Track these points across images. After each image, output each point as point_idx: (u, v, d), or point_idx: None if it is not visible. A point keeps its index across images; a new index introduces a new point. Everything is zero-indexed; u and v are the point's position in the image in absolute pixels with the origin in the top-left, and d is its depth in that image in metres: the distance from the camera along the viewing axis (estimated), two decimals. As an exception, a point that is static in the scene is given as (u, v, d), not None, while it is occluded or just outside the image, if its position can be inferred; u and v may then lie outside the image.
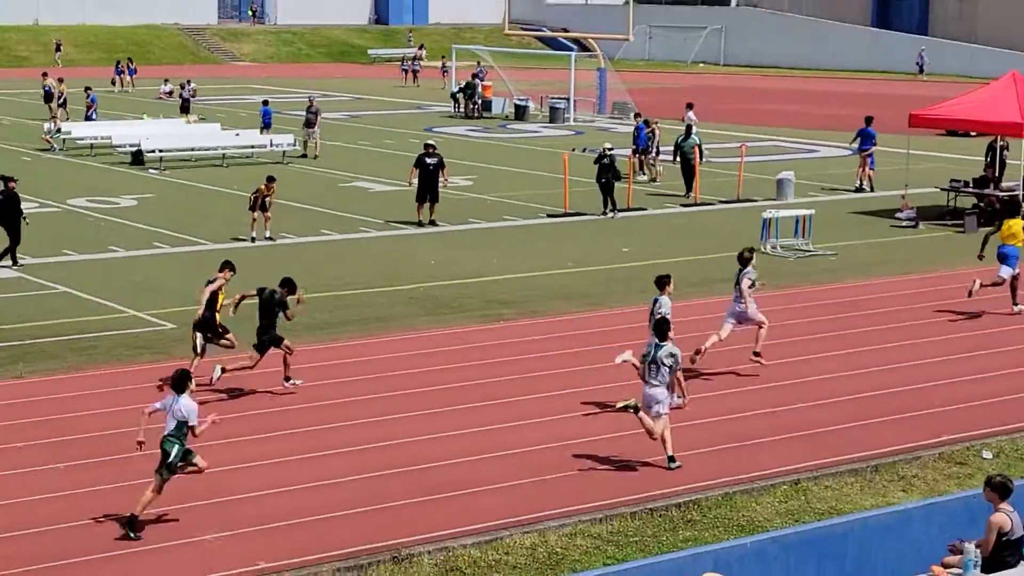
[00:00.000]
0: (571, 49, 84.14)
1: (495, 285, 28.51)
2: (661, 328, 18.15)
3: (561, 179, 38.04)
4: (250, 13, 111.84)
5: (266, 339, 20.57)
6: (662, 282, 20.57)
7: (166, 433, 15.61)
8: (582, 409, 20.18)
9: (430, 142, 36.72)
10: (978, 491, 13.53)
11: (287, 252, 31.57)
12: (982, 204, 37.33)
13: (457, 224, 35.26)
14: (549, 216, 36.79)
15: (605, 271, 30.13)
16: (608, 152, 36.82)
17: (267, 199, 32.24)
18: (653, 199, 39.65)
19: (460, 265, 30.36)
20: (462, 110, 64.83)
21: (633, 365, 18.13)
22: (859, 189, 41.85)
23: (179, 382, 15.81)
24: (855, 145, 43.01)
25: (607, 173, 36.52)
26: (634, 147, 42.57)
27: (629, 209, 37.60)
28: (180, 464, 15.74)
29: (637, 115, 46.03)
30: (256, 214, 32.26)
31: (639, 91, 69.10)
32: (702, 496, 16.73)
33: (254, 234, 32.42)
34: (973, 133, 46.80)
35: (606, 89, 65.40)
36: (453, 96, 66.46)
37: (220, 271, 21.34)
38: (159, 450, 15.55)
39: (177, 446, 15.58)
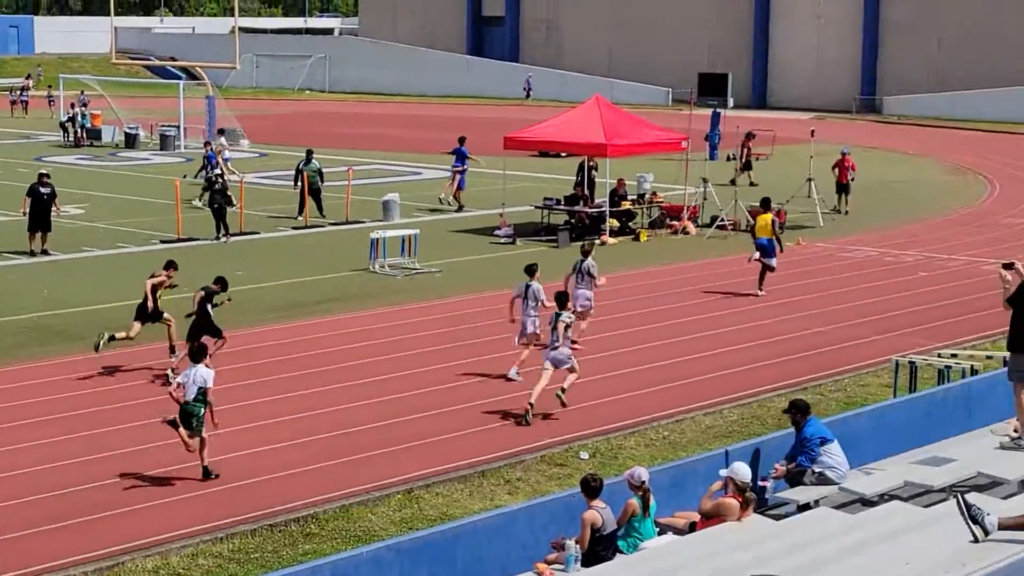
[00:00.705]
0: (180, 77, 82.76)
1: (111, 312, 27.73)
2: (561, 299, 21.29)
3: (173, 205, 37.39)
4: None
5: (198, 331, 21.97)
6: (532, 269, 22.99)
7: (189, 398, 17.45)
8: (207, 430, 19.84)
9: (44, 171, 35.50)
10: (577, 490, 14.00)
11: None
12: (573, 220, 38.58)
13: (70, 252, 34.20)
14: (163, 242, 36.02)
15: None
16: (219, 178, 36.45)
17: None
18: (266, 222, 39.39)
19: (75, 294, 29.47)
20: (72, 139, 63.05)
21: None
22: (456, 207, 42.57)
23: (197, 353, 17.91)
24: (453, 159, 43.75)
25: (219, 198, 36.15)
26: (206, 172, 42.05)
27: (242, 233, 37.28)
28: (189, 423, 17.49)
29: (207, 143, 45.84)
30: None
31: (248, 117, 68.69)
32: (320, 510, 16.71)
33: None
34: (563, 154, 48.28)
35: (215, 116, 64.64)
36: (62, 125, 64.53)
37: (165, 269, 23.32)
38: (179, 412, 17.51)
39: (201, 409, 17.48)
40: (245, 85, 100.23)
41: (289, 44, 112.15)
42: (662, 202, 40.70)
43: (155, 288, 23.01)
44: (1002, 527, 10.31)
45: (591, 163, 40.84)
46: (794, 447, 15.82)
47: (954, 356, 22.16)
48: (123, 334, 22.89)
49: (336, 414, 20.76)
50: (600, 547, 13.22)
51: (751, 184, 47.78)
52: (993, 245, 36.66)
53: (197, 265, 33.00)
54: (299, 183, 40.82)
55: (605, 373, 23.35)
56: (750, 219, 38.80)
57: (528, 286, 22.57)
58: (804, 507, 14.32)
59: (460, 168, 42.96)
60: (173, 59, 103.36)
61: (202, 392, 17.55)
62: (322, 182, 41.01)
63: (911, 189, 50.08)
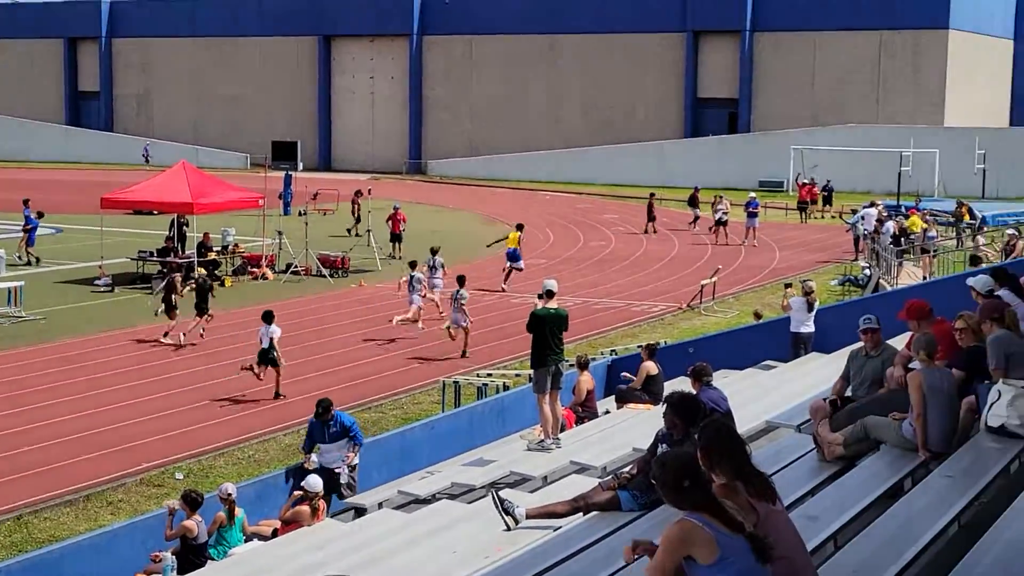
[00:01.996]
0: None
1: None
2: (461, 280, 27.16)
3: None
4: None
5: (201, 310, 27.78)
6: (413, 264, 29.92)
7: (264, 347, 22.41)
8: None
9: None
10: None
11: None
12: (165, 270, 37.53)
13: None
14: None
15: None
16: None
17: None
18: None
19: None
20: None
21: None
22: (26, 261, 40.76)
23: (269, 316, 22.64)
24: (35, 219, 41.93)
25: None
26: None
27: None
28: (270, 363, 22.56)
29: None
30: None
31: None
32: (-67, 541, 15.64)
33: None
34: (156, 212, 46.94)
35: None
36: None
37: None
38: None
39: (274, 353, 22.43)
40: None
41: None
42: (244, 252, 40.23)
43: (172, 287, 29.05)
44: (529, 516, 10.65)
45: (182, 219, 39.97)
46: (332, 434, 15.95)
47: (490, 375, 22.86)
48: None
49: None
50: (193, 555, 12.92)
51: (357, 235, 47.59)
52: (520, 281, 37.93)
53: None
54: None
55: (192, 404, 22.85)
56: (320, 266, 38.94)
57: (458, 292, 27.16)
58: (361, 511, 14.37)
59: (29, 227, 41.25)
60: None
61: (271, 342, 22.31)
62: None
63: (453, 237, 51.12)
